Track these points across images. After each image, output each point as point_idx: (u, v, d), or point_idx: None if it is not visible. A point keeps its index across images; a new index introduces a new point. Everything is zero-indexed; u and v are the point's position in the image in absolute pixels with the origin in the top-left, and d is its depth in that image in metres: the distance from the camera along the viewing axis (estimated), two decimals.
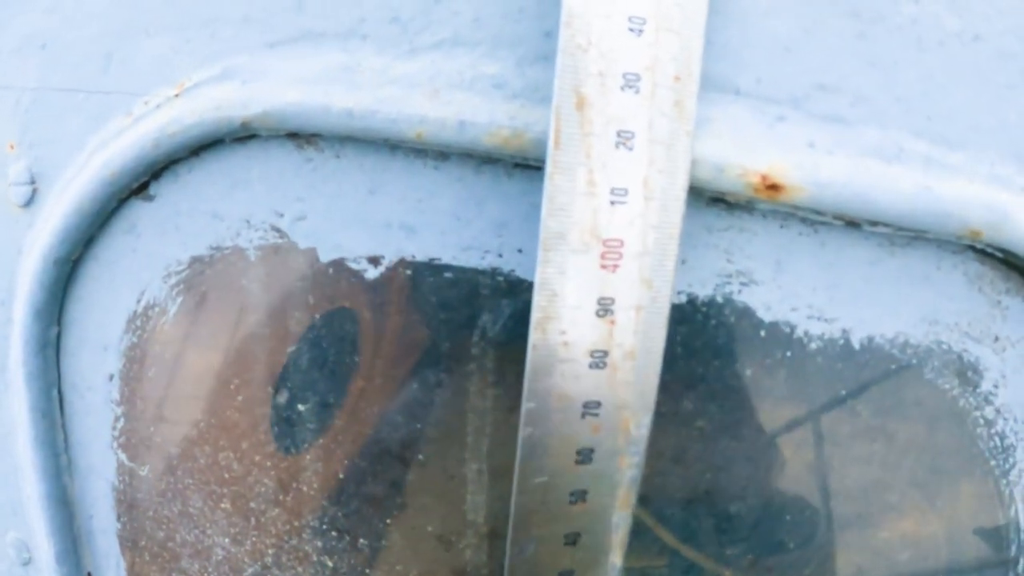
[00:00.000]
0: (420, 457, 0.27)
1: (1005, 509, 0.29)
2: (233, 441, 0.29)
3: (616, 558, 0.25)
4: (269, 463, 0.29)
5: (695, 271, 0.25)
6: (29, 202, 0.28)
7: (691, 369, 0.25)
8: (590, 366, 0.22)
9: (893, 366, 0.26)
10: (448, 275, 0.25)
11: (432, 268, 0.25)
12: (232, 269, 0.27)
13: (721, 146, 0.22)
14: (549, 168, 0.20)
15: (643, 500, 0.27)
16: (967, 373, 0.26)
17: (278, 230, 0.27)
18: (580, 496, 0.24)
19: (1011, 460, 0.26)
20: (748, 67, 0.23)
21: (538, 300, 0.21)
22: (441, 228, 0.25)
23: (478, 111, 0.23)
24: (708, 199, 0.24)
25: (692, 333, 0.25)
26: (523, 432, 0.22)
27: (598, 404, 0.23)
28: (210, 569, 0.31)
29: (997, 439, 0.26)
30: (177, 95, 0.27)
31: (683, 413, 0.26)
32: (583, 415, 0.23)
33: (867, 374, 0.26)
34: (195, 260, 0.28)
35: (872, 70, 0.23)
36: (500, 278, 0.25)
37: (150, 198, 0.28)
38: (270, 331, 0.27)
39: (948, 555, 0.29)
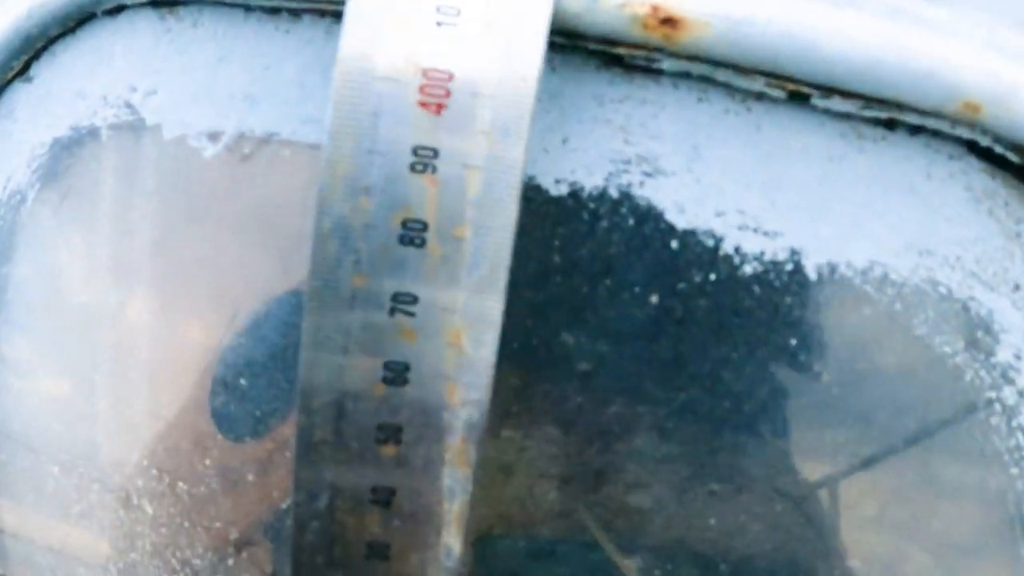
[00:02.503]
0: (243, 382, 0.22)
1: None
2: (70, 352, 0.25)
3: (452, 539, 0.18)
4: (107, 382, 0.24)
5: (580, 153, 0.19)
6: None
7: (571, 287, 0.19)
8: (401, 240, 0.17)
9: (867, 310, 0.18)
10: (286, 153, 0.21)
11: (269, 144, 0.21)
12: (85, 152, 0.25)
13: None
14: None
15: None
16: (976, 333, 0.18)
17: (130, 106, 0.24)
18: (391, 434, 0.17)
19: None
20: None
21: (330, 141, 0.16)
22: (284, 98, 0.21)
23: None
24: (598, 61, 0.19)
25: (575, 236, 0.19)
26: (308, 304, 0.16)
27: (413, 299, 0.17)
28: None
29: (1021, 435, 0.18)
30: None
31: (557, 354, 0.19)
32: (392, 311, 0.17)
33: (827, 318, 0.18)
34: (56, 142, 0.25)
35: None
36: None
37: (29, 79, 0.26)
38: (112, 221, 0.24)
39: None
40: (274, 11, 0.21)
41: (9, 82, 0.26)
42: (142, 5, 0.23)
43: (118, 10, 0.24)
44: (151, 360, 0.24)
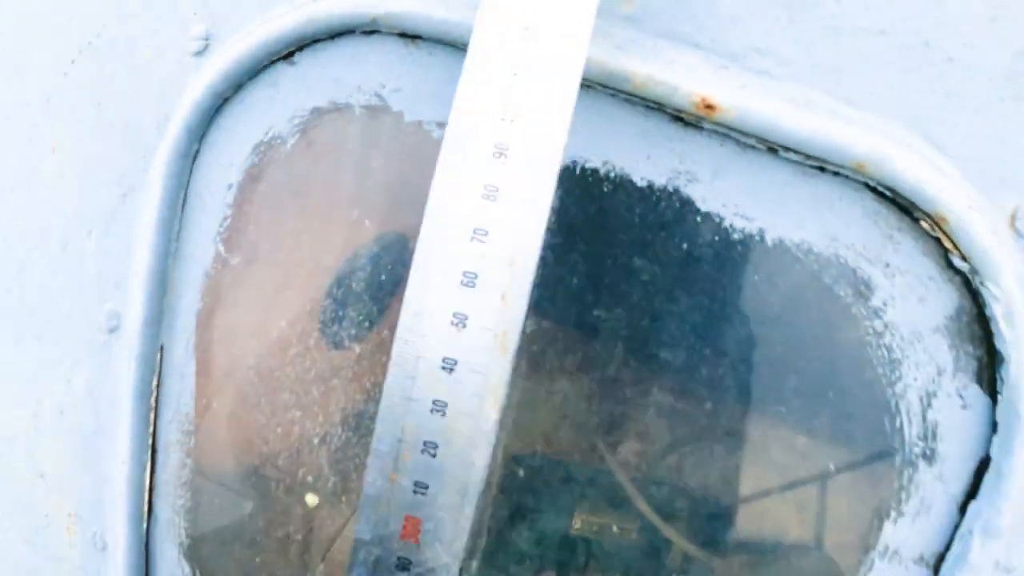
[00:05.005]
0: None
1: (891, 418, 0.36)
2: (293, 255, 0.39)
3: (491, 408, 0.33)
4: (308, 279, 0.38)
5: (656, 165, 0.35)
6: (201, 53, 0.39)
7: (643, 239, 0.35)
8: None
9: (797, 267, 0.35)
10: None
11: None
12: (340, 119, 0.38)
13: (678, 76, 0.33)
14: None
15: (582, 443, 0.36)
16: (860, 287, 0.35)
17: (379, 96, 0.37)
18: (461, 322, 0.33)
19: (896, 373, 0.35)
20: (706, 30, 0.34)
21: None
22: None
23: None
24: (670, 116, 0.35)
25: (646, 210, 0.35)
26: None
27: (485, 233, 0.32)
28: (252, 354, 0.39)
29: (884, 351, 0.35)
30: None
31: (630, 275, 0.35)
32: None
33: (776, 266, 0.35)
34: (315, 109, 0.39)
35: (797, 44, 0.34)
36: None
37: (293, 63, 0.39)
38: (355, 172, 0.38)
39: (840, 452, 0.37)
40: None
41: (274, 62, 0.39)
42: (392, 34, 0.37)
43: (372, 32, 0.37)
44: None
